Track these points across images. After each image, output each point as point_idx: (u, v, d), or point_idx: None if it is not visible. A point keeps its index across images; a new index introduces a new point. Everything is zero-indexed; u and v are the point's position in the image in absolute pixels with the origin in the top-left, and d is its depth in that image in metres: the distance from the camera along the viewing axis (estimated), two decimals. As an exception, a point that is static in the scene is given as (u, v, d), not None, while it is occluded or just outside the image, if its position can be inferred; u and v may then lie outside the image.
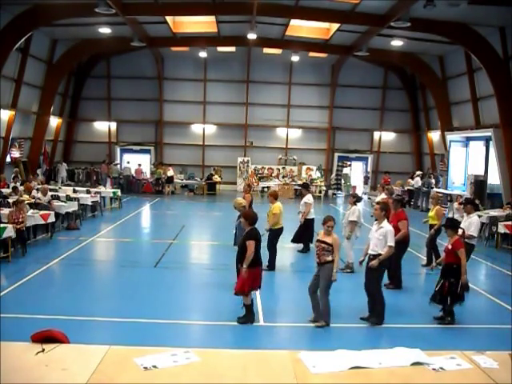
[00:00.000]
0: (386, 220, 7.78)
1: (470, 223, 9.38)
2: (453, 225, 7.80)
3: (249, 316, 7.41)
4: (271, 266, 10.49)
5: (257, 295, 8.34)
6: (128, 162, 26.63)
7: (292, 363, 3.27)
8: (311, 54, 25.35)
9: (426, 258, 11.39)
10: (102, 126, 28.49)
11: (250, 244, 7.07)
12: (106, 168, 26.21)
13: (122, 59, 27.33)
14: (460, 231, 7.96)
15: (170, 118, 27.97)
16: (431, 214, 11.19)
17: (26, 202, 13.12)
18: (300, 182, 25.77)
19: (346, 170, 27.78)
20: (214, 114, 28.16)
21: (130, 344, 3.79)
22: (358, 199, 11.04)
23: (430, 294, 7.76)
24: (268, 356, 3.55)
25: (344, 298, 8.84)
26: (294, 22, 20.97)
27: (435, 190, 21.94)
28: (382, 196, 12.63)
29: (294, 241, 12.43)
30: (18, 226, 10.95)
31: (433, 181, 23.47)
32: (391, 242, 7.46)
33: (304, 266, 11.07)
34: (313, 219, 12.17)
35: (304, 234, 12.27)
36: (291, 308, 8.49)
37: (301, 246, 12.49)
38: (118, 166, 27.16)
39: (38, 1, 17.35)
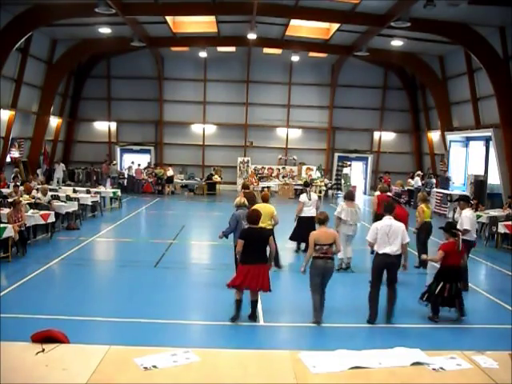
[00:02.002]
0: (387, 217, 7.79)
1: (462, 218, 9.38)
2: (451, 227, 7.87)
3: (235, 312, 7.48)
4: (275, 264, 10.52)
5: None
6: (132, 162, 26.63)
7: (292, 363, 3.26)
8: (311, 54, 25.34)
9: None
10: (102, 126, 28.49)
11: (237, 243, 7.46)
12: (106, 168, 26.20)
13: (121, 59, 27.32)
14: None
15: (170, 118, 27.97)
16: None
17: (26, 202, 13.12)
18: (300, 182, 25.90)
19: (346, 170, 27.79)
20: (214, 113, 28.16)
21: (130, 344, 3.79)
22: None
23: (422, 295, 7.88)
24: (268, 356, 3.54)
25: (344, 297, 8.85)
26: (293, 22, 20.96)
27: (435, 190, 21.99)
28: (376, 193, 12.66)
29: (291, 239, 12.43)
30: (17, 225, 10.94)
31: (434, 180, 23.48)
32: (368, 237, 7.73)
33: (299, 265, 11.07)
34: (306, 217, 11.83)
35: (296, 232, 12.14)
36: (291, 308, 8.49)
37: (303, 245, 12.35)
38: (117, 165, 27.13)
39: (38, 1, 17.34)
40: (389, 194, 13.02)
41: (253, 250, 7.27)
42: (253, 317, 7.55)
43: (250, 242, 7.29)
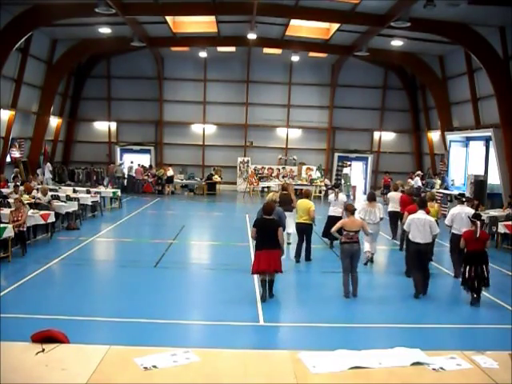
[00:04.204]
0: (420, 211, 9.13)
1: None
2: (473, 217, 8.81)
3: (262, 292, 8.35)
4: (306, 256, 11.39)
5: (257, 294, 8.40)
6: (132, 162, 26.62)
7: (292, 363, 3.26)
8: (311, 54, 25.34)
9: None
10: (102, 126, 28.48)
11: (251, 230, 8.53)
12: (112, 168, 26.11)
13: (121, 59, 27.32)
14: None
15: (169, 118, 27.97)
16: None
17: (26, 202, 13.11)
18: (300, 182, 25.92)
19: (346, 170, 27.78)
20: (214, 113, 28.16)
21: (130, 344, 3.79)
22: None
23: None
24: (268, 356, 3.54)
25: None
26: (294, 22, 20.95)
27: (434, 190, 21.95)
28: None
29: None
30: (16, 224, 10.93)
31: (434, 181, 23.44)
32: (404, 226, 9.50)
33: (305, 266, 11.08)
34: (331, 216, 12.44)
35: (325, 229, 12.69)
36: (291, 308, 8.49)
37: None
38: (122, 166, 27.10)
39: (38, 1, 17.33)
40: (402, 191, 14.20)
41: (263, 238, 8.18)
42: (270, 295, 8.38)
43: (261, 230, 8.24)
